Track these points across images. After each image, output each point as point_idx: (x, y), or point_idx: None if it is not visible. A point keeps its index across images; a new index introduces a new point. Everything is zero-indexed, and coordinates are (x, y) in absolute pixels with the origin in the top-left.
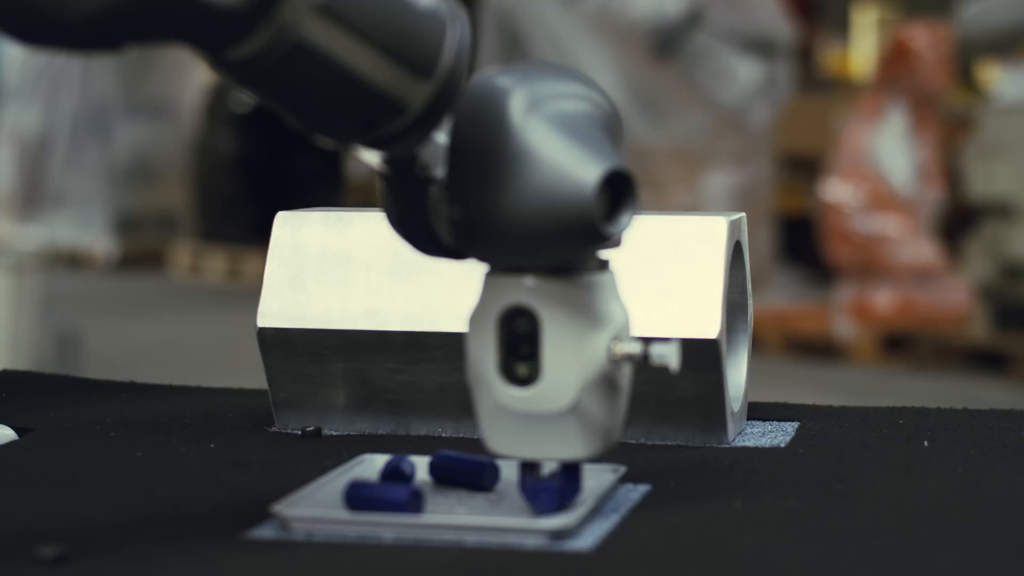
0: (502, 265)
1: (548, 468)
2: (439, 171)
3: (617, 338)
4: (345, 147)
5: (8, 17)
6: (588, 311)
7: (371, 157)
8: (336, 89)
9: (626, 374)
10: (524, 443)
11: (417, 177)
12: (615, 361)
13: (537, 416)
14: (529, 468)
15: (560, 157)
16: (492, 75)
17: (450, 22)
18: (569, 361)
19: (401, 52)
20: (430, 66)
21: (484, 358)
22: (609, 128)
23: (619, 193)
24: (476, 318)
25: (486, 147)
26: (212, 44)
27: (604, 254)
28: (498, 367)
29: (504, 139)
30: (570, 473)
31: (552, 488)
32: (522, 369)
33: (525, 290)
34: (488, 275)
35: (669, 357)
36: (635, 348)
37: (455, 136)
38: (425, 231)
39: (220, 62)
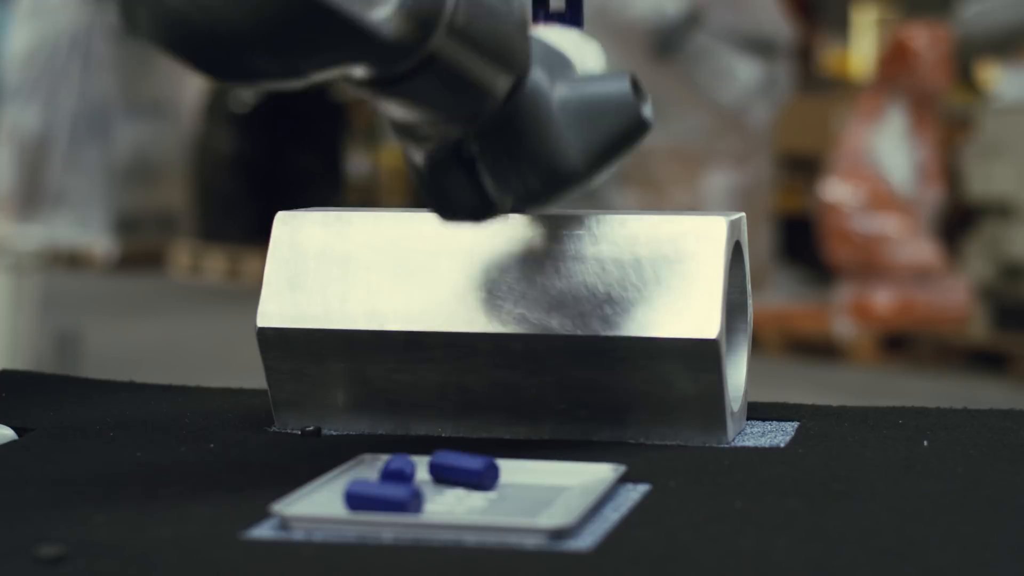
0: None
1: None
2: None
3: None
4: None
5: (190, 51)
6: None
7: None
8: (454, 91)
9: None
10: None
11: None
12: None
13: None
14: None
15: (592, 90)
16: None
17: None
18: None
19: (504, 56)
20: (521, 65)
21: None
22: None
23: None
24: None
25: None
26: (368, 67)
27: None
28: None
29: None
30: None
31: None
32: None
33: None
34: None
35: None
36: None
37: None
38: (472, 190)
39: (364, 82)
